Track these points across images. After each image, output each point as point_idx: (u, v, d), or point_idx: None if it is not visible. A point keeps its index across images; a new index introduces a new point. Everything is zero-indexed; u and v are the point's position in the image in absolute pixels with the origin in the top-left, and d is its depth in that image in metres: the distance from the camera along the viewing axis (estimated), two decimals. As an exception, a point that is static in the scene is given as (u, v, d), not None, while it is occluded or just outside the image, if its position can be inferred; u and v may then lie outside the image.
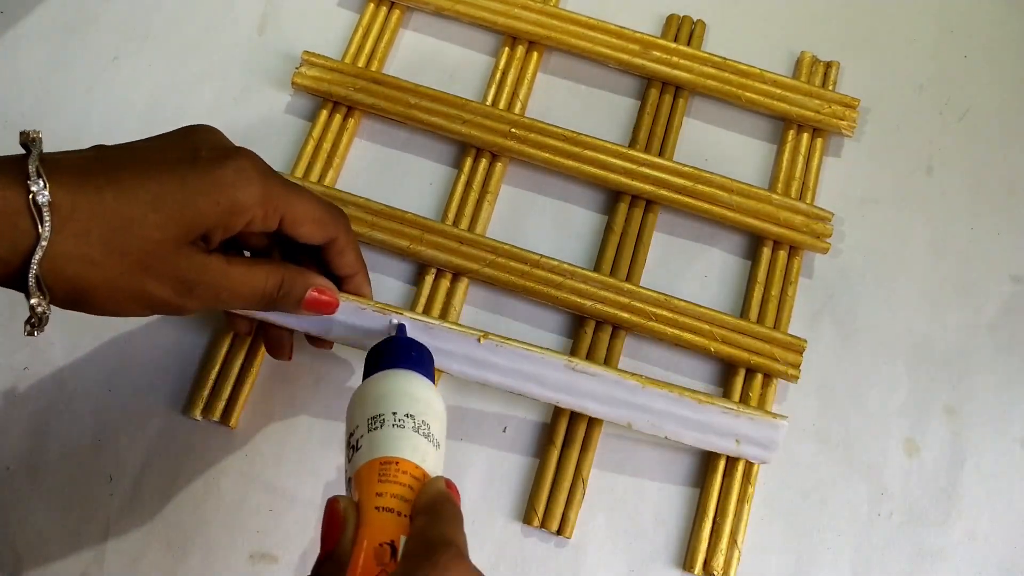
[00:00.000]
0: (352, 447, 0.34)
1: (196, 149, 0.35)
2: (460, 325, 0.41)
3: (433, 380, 0.37)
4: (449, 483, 0.33)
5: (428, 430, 0.34)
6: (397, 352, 0.38)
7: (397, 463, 0.32)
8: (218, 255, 0.36)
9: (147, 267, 0.33)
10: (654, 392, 0.42)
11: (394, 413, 0.34)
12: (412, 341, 0.39)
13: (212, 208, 0.34)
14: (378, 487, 0.31)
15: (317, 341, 0.43)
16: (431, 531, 0.30)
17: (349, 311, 0.41)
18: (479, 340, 0.41)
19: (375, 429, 0.33)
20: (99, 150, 0.34)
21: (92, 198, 0.32)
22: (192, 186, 0.34)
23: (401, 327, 0.40)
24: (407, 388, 0.35)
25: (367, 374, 0.37)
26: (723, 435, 0.42)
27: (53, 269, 0.32)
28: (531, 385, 0.42)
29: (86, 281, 0.33)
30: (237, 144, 0.37)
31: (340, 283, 0.41)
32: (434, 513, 0.31)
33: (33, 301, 0.32)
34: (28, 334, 0.34)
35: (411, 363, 0.37)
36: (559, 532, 0.43)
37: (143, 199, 0.33)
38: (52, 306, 0.33)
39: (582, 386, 0.42)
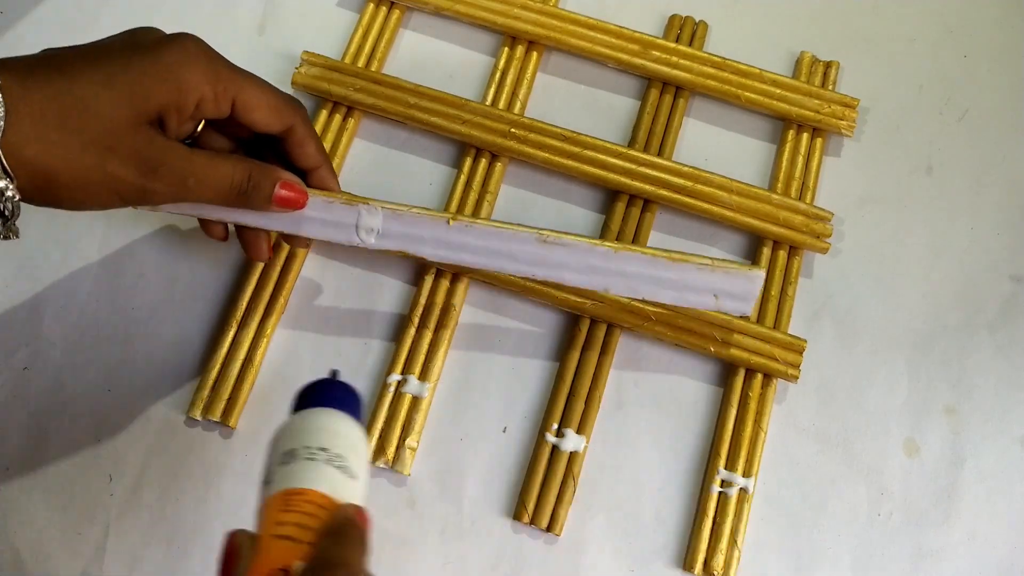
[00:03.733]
0: (265, 483, 0.33)
1: (139, 39, 0.36)
2: (428, 209, 0.42)
3: (360, 418, 0.36)
4: (359, 510, 0.32)
5: (343, 462, 0.33)
6: (321, 392, 0.37)
7: (303, 493, 0.32)
8: (181, 144, 0.36)
9: (107, 146, 0.33)
10: (627, 255, 0.41)
11: (307, 447, 0.33)
12: (339, 382, 0.37)
13: (160, 86, 0.34)
14: (279, 516, 0.31)
15: (292, 239, 0.43)
16: (329, 552, 0.30)
17: (318, 206, 0.41)
18: (448, 223, 0.41)
19: (286, 464, 0.33)
20: (46, 50, 0.35)
21: (42, 83, 0.32)
22: (138, 67, 0.34)
23: (335, 372, 0.38)
24: (324, 424, 0.35)
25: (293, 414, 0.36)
26: (700, 291, 0.42)
27: (13, 152, 0.32)
28: (504, 261, 0.42)
29: (47, 163, 0.32)
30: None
31: (304, 177, 0.41)
32: (335, 536, 0.31)
33: (0, 184, 0.32)
34: (3, 237, 0.34)
35: (334, 403, 0.36)
36: (549, 529, 0.43)
37: (93, 79, 0.33)
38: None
39: (555, 257, 0.41)
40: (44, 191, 0.33)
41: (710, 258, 0.41)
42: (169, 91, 0.35)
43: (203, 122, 0.40)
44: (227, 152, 0.40)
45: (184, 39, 0.36)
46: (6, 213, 0.33)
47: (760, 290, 0.41)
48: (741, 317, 0.42)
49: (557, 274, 0.42)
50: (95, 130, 0.33)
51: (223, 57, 0.37)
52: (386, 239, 0.42)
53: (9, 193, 0.32)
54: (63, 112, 0.32)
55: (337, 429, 0.34)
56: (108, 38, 0.36)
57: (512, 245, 0.41)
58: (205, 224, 0.43)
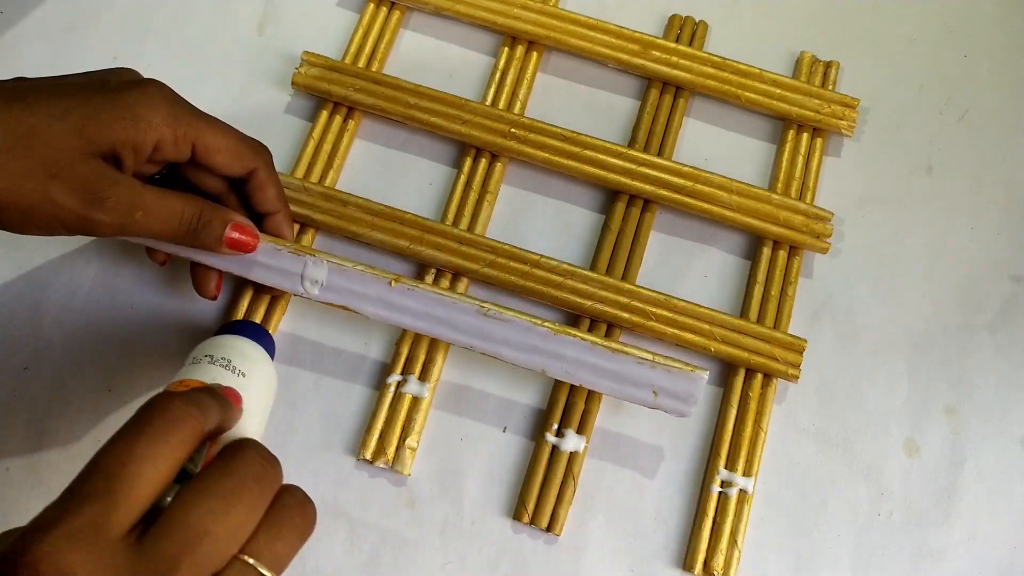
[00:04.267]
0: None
1: (106, 79, 0.36)
2: (373, 268, 0.42)
3: (270, 351, 0.41)
4: (227, 388, 0.35)
5: (231, 364, 0.38)
6: (242, 327, 0.42)
7: (183, 382, 0.36)
8: (133, 178, 0.36)
9: (52, 174, 0.34)
10: (565, 339, 0.41)
11: (208, 355, 0.38)
12: (259, 325, 0.43)
13: (117, 122, 0.35)
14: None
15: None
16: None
17: (267, 252, 0.42)
18: (391, 283, 0.41)
19: (192, 364, 0.38)
20: (17, 79, 0.36)
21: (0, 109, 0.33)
22: (97, 103, 0.34)
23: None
24: (237, 346, 0.39)
25: None
26: (639, 386, 0.41)
27: None
28: (443, 329, 0.42)
29: None
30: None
31: (261, 222, 0.42)
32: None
33: None
34: None
35: (250, 334, 0.41)
36: (549, 529, 0.43)
37: (49, 112, 0.34)
38: None
39: (494, 332, 0.42)
40: None
41: (651, 353, 0.41)
42: (125, 128, 0.35)
43: (166, 167, 0.40)
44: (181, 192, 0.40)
45: (149, 85, 0.36)
46: None
47: (702, 392, 0.41)
48: (681, 417, 0.42)
49: (496, 349, 0.42)
50: (40, 157, 0.33)
51: (186, 102, 0.38)
52: (330, 292, 0.42)
53: None
54: (13, 140, 0.33)
55: (243, 349, 0.39)
56: (82, 74, 0.37)
57: (453, 314, 0.42)
58: (149, 248, 0.43)
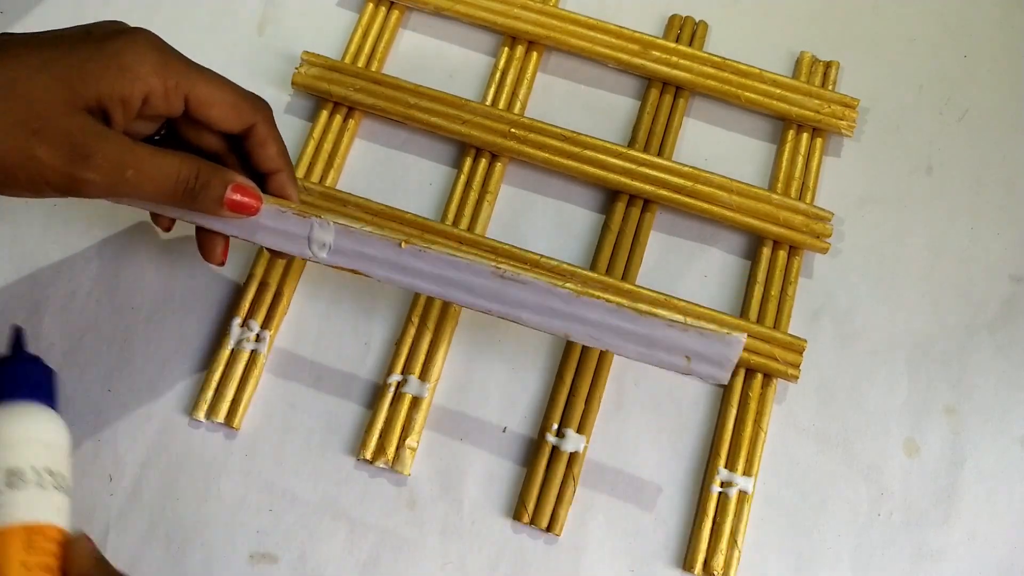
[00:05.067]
0: None
1: (91, 29, 0.34)
2: (380, 230, 0.40)
3: (55, 401, 0.36)
4: (87, 538, 0.33)
5: (65, 482, 0.33)
6: (19, 377, 0.35)
7: (43, 530, 0.31)
8: (123, 134, 0.33)
9: (35, 130, 0.31)
10: (589, 302, 0.38)
11: (34, 468, 0.32)
12: (30, 357, 0.36)
13: (102, 72, 0.32)
14: (24, 556, 0.31)
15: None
16: None
17: (271, 215, 0.39)
18: (400, 245, 0.39)
19: (16, 487, 0.32)
20: (2, 34, 0.33)
21: None
22: (82, 52, 0.32)
23: (19, 330, 0.37)
24: (40, 433, 0.34)
25: None
26: (671, 351, 0.38)
27: None
28: (457, 292, 0.39)
29: None
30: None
31: (263, 182, 0.39)
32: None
33: None
34: None
35: (37, 391, 0.35)
36: (549, 529, 0.43)
37: (30, 64, 0.31)
38: None
39: (512, 295, 0.39)
40: None
41: (683, 316, 0.39)
42: (111, 79, 0.32)
43: (163, 127, 0.38)
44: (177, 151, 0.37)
45: (136, 31, 0.34)
46: None
47: (738, 356, 0.38)
48: (718, 384, 0.39)
49: (514, 313, 0.39)
50: (20, 112, 0.31)
51: (177, 51, 0.35)
52: (338, 255, 0.40)
53: None
54: None
55: (52, 439, 0.34)
56: (67, 28, 0.35)
57: (467, 276, 0.39)
58: (153, 214, 0.41)
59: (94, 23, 0.36)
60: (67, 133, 0.32)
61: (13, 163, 0.32)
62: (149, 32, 0.34)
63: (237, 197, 0.37)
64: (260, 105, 0.38)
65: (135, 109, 0.34)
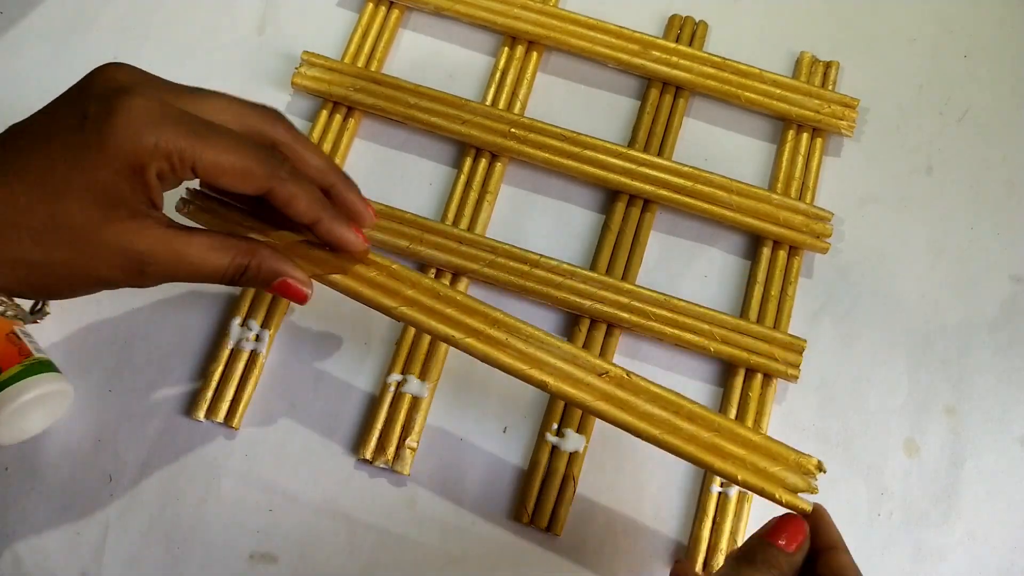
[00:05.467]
0: None
1: (86, 107, 0.32)
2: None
3: None
4: None
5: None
6: None
7: None
8: (176, 229, 0.33)
9: (90, 255, 0.32)
10: None
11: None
12: None
13: (115, 176, 0.32)
14: None
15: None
16: None
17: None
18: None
19: None
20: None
21: (6, 200, 0.31)
22: (89, 160, 0.31)
23: None
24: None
25: None
26: None
27: (3, 275, 0.32)
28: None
29: (37, 279, 0.32)
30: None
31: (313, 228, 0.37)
32: None
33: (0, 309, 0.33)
34: (32, 321, 0.36)
35: None
36: (549, 529, 0.43)
37: (52, 190, 0.31)
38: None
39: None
40: (40, 295, 0.35)
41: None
42: (124, 178, 0.32)
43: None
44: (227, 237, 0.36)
45: (127, 100, 0.32)
46: (21, 317, 0.35)
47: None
48: None
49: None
50: (72, 240, 0.32)
51: (179, 116, 0.33)
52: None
53: (11, 313, 0.34)
54: (36, 232, 0.31)
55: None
56: (66, 96, 0.34)
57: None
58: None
59: (93, 85, 0.34)
60: (119, 251, 0.32)
61: (87, 284, 0.33)
62: (143, 96, 0.32)
63: (283, 290, 0.36)
64: (273, 164, 0.34)
65: (155, 186, 0.33)
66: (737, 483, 0.38)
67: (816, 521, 0.37)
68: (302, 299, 0.37)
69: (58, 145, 0.32)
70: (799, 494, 0.38)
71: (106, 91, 0.33)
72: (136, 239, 0.32)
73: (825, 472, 0.39)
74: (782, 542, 0.35)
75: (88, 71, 0.35)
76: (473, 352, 0.40)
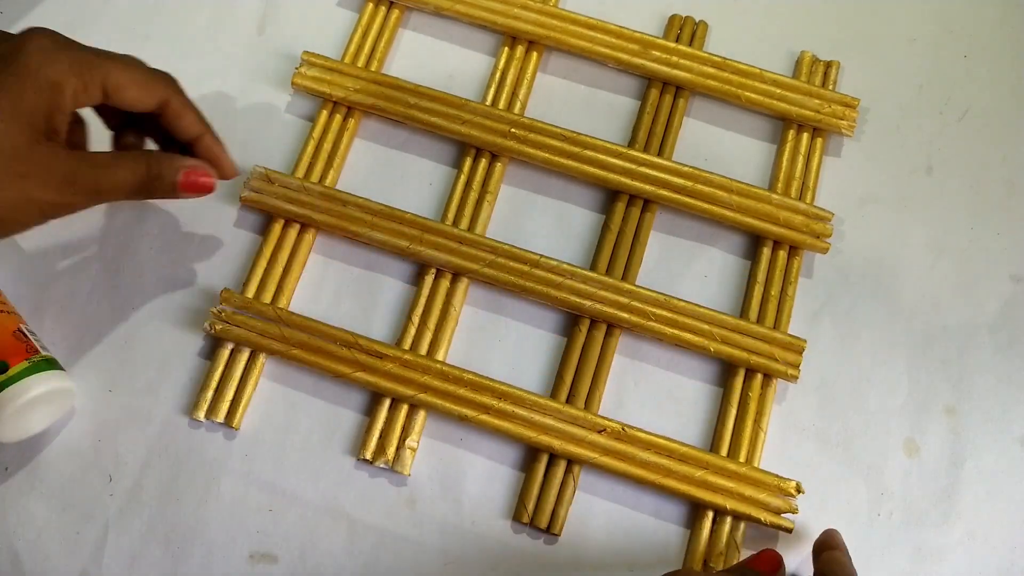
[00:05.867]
0: None
1: None
2: None
3: None
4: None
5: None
6: None
7: None
8: (86, 151, 0.37)
9: (22, 174, 0.34)
10: None
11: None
12: None
13: (36, 95, 0.35)
14: None
15: None
16: None
17: None
18: None
19: None
20: None
21: None
22: (11, 86, 0.34)
23: None
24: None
25: None
26: None
27: None
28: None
29: None
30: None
31: (190, 150, 0.42)
32: None
33: None
34: None
35: None
36: (548, 529, 0.43)
37: None
38: None
39: None
40: None
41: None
42: (47, 98, 0.35)
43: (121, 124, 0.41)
44: (136, 146, 0.41)
45: (38, 37, 0.36)
46: None
47: None
48: None
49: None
50: (6, 163, 0.34)
51: (80, 44, 0.37)
52: None
53: None
54: None
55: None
56: None
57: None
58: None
59: None
60: (47, 168, 0.35)
61: (19, 207, 0.35)
62: (47, 31, 0.36)
63: (192, 179, 0.40)
64: (168, 79, 0.40)
65: (68, 112, 0.37)
66: (727, 512, 0.43)
67: (828, 536, 0.42)
68: (209, 188, 0.41)
69: None
70: (782, 515, 0.43)
71: (8, 37, 0.36)
72: (58, 157, 0.35)
73: (804, 493, 0.44)
74: (762, 569, 0.40)
75: None
76: (486, 426, 0.44)
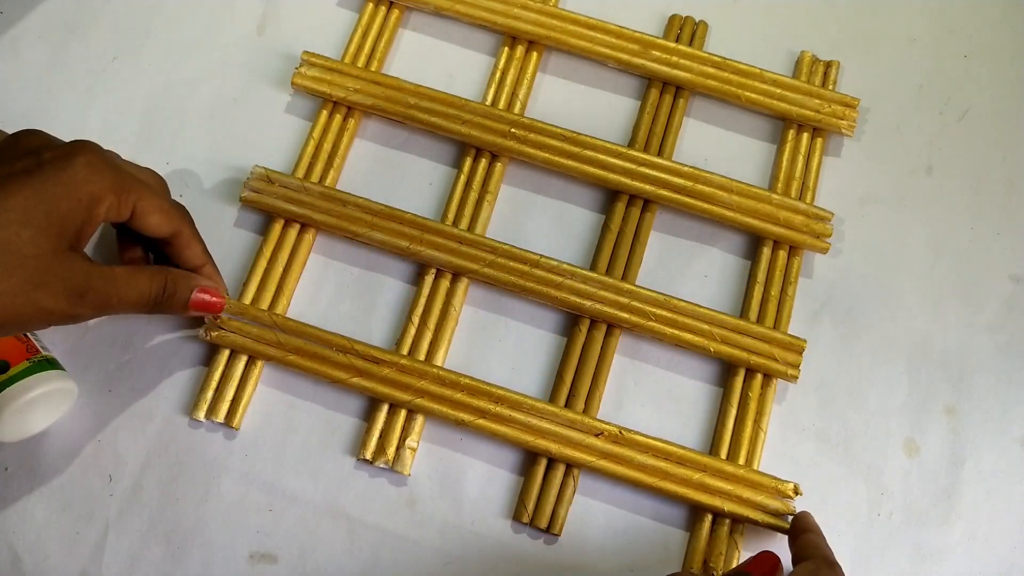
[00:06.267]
0: None
1: (36, 154, 0.36)
2: None
3: None
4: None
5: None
6: None
7: None
8: (100, 263, 0.37)
9: (37, 283, 0.35)
10: None
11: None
12: None
13: (75, 206, 0.36)
14: None
15: None
16: None
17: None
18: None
19: None
20: None
21: None
22: (50, 192, 0.35)
23: None
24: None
25: None
26: None
27: None
28: None
29: None
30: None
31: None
32: None
33: None
34: None
35: None
36: (548, 529, 0.43)
37: (12, 220, 0.34)
38: None
39: None
40: None
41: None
42: (82, 209, 0.36)
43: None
44: (137, 259, 0.43)
45: (87, 152, 0.37)
46: None
47: None
48: None
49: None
50: (24, 270, 0.34)
51: (121, 162, 0.39)
52: None
53: None
54: None
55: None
56: (7, 146, 0.37)
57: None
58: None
59: (29, 141, 0.38)
60: (63, 279, 0.35)
61: (26, 314, 0.35)
62: (95, 146, 0.37)
63: (203, 297, 0.42)
64: (184, 212, 0.42)
65: (97, 225, 0.38)
66: (724, 515, 0.44)
67: (796, 519, 0.43)
68: (219, 309, 0.43)
69: (15, 184, 0.35)
70: (781, 516, 0.43)
71: (50, 142, 0.37)
72: (76, 269, 0.36)
73: (801, 494, 0.44)
74: (760, 572, 0.40)
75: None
76: (484, 431, 0.44)
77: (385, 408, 0.45)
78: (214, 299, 0.43)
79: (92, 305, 0.37)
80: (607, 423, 0.44)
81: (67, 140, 0.38)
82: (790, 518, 0.43)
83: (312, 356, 0.45)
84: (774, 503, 0.43)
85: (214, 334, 0.44)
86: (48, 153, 0.36)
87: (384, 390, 0.44)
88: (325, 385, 0.46)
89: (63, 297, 0.36)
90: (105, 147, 0.39)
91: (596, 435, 0.44)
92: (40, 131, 0.38)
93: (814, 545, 0.40)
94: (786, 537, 0.43)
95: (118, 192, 0.37)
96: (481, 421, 0.44)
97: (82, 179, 0.36)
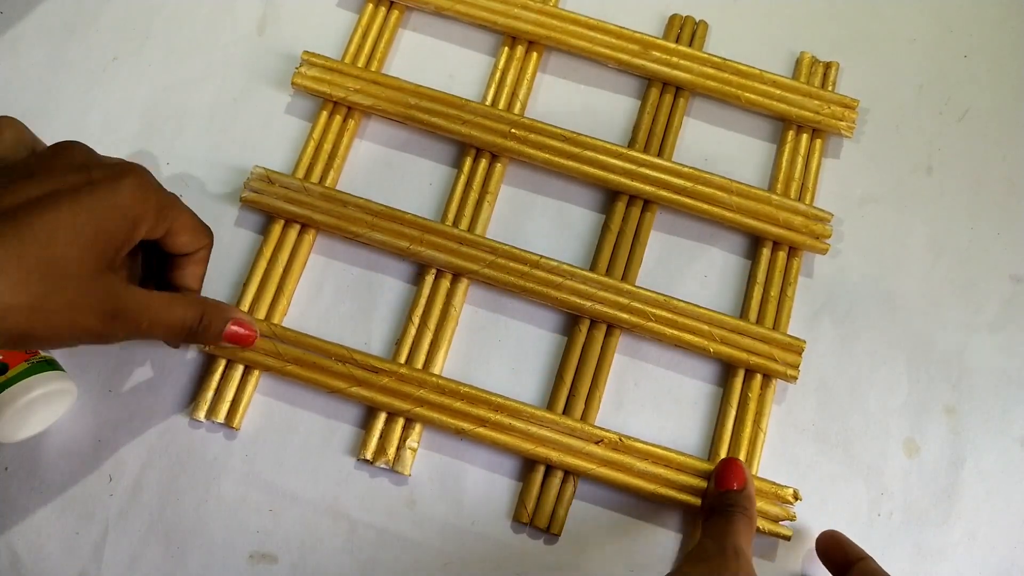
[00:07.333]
0: None
1: (86, 171, 0.36)
2: None
3: None
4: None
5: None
6: None
7: None
8: (138, 287, 0.38)
9: (74, 303, 0.34)
10: None
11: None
12: None
13: (120, 226, 0.36)
14: None
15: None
16: None
17: None
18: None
19: None
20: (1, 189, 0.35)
21: (15, 248, 0.32)
22: (99, 212, 0.35)
23: None
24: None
25: None
26: None
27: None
28: None
29: (28, 326, 0.33)
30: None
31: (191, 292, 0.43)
32: None
33: None
34: None
35: None
36: (548, 529, 0.43)
37: (62, 239, 0.34)
38: None
39: None
40: (17, 345, 0.36)
41: None
42: (126, 231, 0.36)
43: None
44: (184, 295, 0.42)
45: (136, 175, 0.37)
46: None
47: None
48: None
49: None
50: (69, 290, 0.34)
51: (161, 185, 0.39)
52: None
53: None
54: (42, 280, 0.33)
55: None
56: (47, 163, 0.36)
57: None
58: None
59: (75, 155, 0.37)
60: (100, 299, 0.35)
61: (63, 333, 0.35)
62: (142, 169, 0.37)
63: (235, 329, 0.42)
64: (209, 231, 0.42)
65: (135, 242, 0.37)
66: None
67: (838, 540, 0.42)
68: (251, 341, 0.43)
69: (67, 201, 0.34)
70: (780, 522, 0.44)
71: (97, 160, 0.37)
72: (114, 290, 0.36)
73: (801, 500, 0.44)
74: (734, 486, 0.41)
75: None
76: (484, 440, 0.44)
77: (383, 417, 0.45)
78: (247, 332, 0.42)
79: (124, 328, 0.37)
80: (607, 430, 0.44)
81: (67, 140, 0.38)
82: (788, 523, 0.43)
83: (311, 366, 0.45)
84: (774, 509, 0.43)
85: (213, 346, 0.44)
86: (98, 172, 0.36)
87: (383, 399, 0.44)
88: (322, 397, 0.46)
89: (97, 317, 0.35)
90: (105, 147, 0.39)
91: (596, 442, 0.44)
92: (82, 144, 0.38)
93: (879, 572, 0.39)
94: (786, 543, 0.43)
95: (158, 212, 0.38)
96: (481, 430, 0.44)
97: (130, 201, 0.36)
